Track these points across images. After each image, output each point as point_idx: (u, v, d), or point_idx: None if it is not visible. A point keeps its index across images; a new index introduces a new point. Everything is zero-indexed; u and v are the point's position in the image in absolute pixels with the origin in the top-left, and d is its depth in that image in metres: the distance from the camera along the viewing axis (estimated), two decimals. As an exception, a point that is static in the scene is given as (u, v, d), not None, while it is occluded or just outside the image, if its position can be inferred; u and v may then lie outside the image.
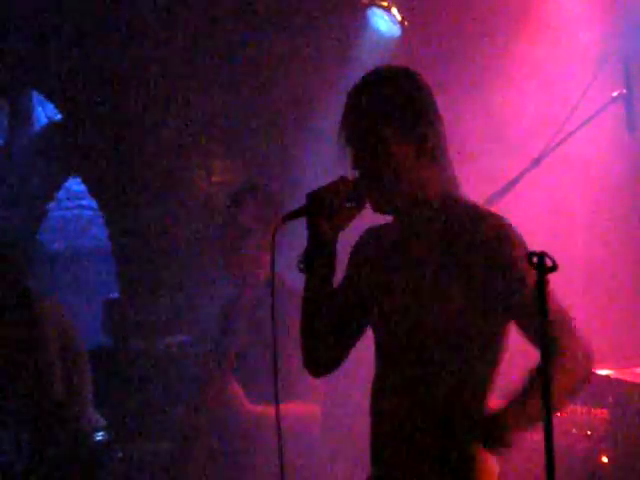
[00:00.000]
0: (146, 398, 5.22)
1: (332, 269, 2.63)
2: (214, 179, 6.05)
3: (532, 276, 2.42)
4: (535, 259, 2.22)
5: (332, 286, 2.64)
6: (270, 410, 3.74)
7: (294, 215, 2.58)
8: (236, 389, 3.93)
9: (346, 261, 2.76)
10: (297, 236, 2.79)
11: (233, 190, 4.51)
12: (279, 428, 2.53)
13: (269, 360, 3.74)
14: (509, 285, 2.48)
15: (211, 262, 5.65)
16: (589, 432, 4.07)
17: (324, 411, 4.00)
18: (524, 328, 2.50)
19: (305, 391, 3.81)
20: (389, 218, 2.70)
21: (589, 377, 2.50)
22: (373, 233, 2.77)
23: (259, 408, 3.88)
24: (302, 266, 2.61)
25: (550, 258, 2.21)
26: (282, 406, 2.62)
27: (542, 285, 2.18)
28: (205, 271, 5.78)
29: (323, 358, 2.70)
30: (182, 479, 4.18)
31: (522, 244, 2.53)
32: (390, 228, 2.68)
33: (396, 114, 2.56)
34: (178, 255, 5.93)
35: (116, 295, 6.12)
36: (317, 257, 2.60)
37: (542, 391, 2.16)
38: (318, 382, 3.67)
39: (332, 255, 2.61)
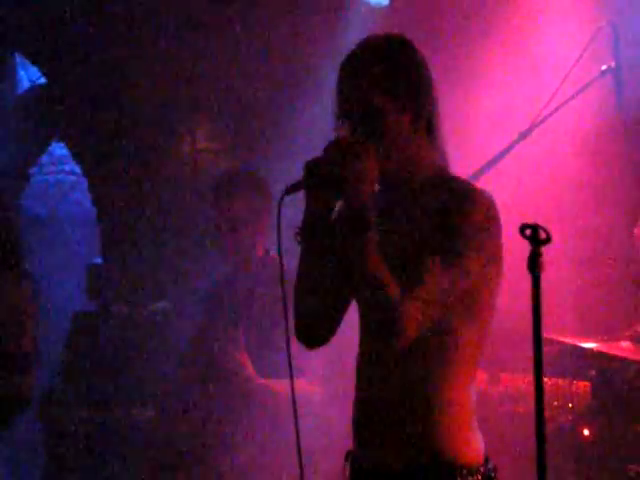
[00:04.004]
0: (129, 364, 5.21)
1: (330, 240, 2.58)
2: (199, 146, 6.02)
3: (466, 246, 2.40)
4: (528, 231, 2.23)
5: (328, 257, 2.59)
6: (275, 384, 3.84)
7: (296, 187, 2.52)
8: (246, 361, 3.99)
9: None
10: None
11: (222, 176, 4.48)
12: (294, 401, 2.53)
13: (272, 338, 3.86)
14: (445, 237, 2.45)
15: (195, 229, 5.65)
16: (571, 405, 4.11)
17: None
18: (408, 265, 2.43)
19: (306, 368, 3.83)
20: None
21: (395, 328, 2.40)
22: None
23: (267, 382, 3.94)
24: (299, 238, 2.57)
25: (544, 230, 2.22)
26: (286, 382, 2.62)
27: (536, 257, 2.19)
28: (189, 238, 5.77)
29: (316, 328, 2.67)
30: (168, 446, 4.21)
31: (489, 216, 2.48)
32: (376, 198, 2.64)
33: (392, 84, 2.53)
34: (161, 221, 5.91)
35: (99, 260, 6.11)
36: (315, 227, 2.56)
37: (535, 369, 2.17)
38: (317, 359, 3.71)
39: (329, 225, 2.57)
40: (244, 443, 4.03)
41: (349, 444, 2.64)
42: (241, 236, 4.20)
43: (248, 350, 4.02)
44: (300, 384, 3.90)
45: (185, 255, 5.73)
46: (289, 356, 2.54)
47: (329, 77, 2.70)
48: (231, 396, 4.05)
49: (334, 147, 2.48)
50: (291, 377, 2.56)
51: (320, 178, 2.49)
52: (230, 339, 4.05)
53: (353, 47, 2.61)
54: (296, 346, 2.66)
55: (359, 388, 2.63)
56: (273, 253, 4.14)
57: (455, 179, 2.58)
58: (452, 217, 2.45)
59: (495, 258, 2.53)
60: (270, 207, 4.17)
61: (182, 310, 5.21)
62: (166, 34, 5.81)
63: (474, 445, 2.53)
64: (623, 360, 4.08)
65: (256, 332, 4.06)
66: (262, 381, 3.99)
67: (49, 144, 7.34)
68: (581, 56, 4.18)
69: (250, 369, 4.01)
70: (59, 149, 7.73)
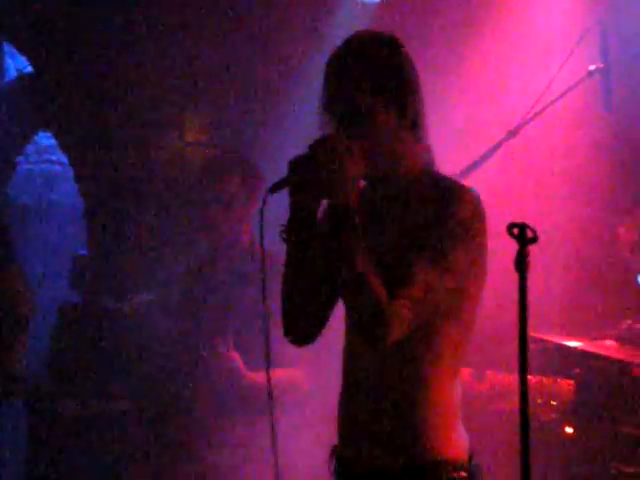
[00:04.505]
0: (114, 356, 5.21)
1: (316, 237, 2.58)
2: (188, 139, 6.01)
3: (454, 244, 2.42)
4: (516, 230, 2.24)
5: (314, 255, 2.59)
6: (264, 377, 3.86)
7: (280, 185, 2.52)
8: (237, 358, 4.00)
9: None
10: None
11: (216, 158, 4.56)
12: (270, 392, 2.56)
13: (256, 329, 3.87)
14: (432, 234, 2.45)
15: (182, 222, 5.65)
16: (555, 403, 4.13)
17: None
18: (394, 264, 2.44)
19: (292, 358, 3.85)
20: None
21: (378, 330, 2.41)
22: None
23: (257, 376, 3.94)
24: (285, 235, 2.58)
25: (531, 229, 2.23)
26: (273, 372, 2.63)
27: (523, 256, 2.20)
28: (175, 231, 5.77)
29: (304, 326, 2.68)
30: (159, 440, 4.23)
31: (475, 213, 2.49)
32: (362, 196, 2.63)
33: (379, 82, 2.53)
34: (149, 214, 5.91)
35: (84, 251, 6.09)
36: (301, 225, 2.56)
37: (519, 365, 2.17)
38: (303, 350, 3.71)
39: (315, 223, 2.58)
40: (238, 438, 4.05)
41: (334, 438, 2.66)
42: (232, 213, 4.22)
43: (239, 341, 4.03)
44: (292, 372, 3.95)
45: (172, 248, 5.73)
46: (267, 349, 2.56)
47: (319, 74, 2.70)
48: (223, 393, 4.06)
49: (319, 145, 2.47)
50: (267, 370, 2.57)
51: (304, 177, 2.48)
52: (219, 336, 4.05)
53: (340, 44, 2.62)
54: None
55: (345, 385, 2.64)
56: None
57: (442, 177, 2.59)
58: (439, 215, 2.47)
59: (481, 255, 2.54)
60: (261, 188, 4.19)
61: (168, 303, 5.20)
62: (155, 27, 5.79)
63: (459, 442, 2.54)
64: (607, 359, 4.10)
65: (247, 325, 4.07)
66: (253, 375, 4.00)
67: (35, 133, 7.33)
68: (570, 56, 4.19)
69: (240, 364, 4.02)
70: (45, 139, 7.71)
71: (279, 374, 3.59)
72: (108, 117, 5.89)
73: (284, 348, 2.77)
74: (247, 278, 4.12)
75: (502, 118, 4.37)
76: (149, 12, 5.80)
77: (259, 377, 3.93)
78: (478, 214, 2.51)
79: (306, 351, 3.72)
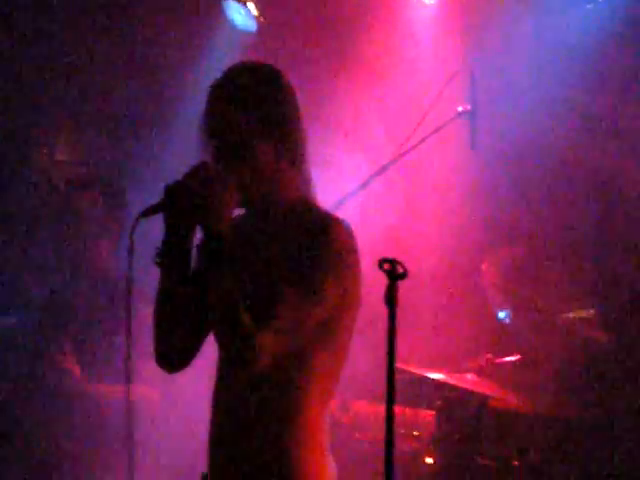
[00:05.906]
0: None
1: (189, 263, 2.59)
2: (57, 157, 5.92)
3: (324, 276, 2.45)
4: (387, 265, 2.30)
5: (188, 280, 2.60)
6: (109, 390, 3.84)
7: (154, 210, 2.51)
8: (75, 369, 3.96)
9: None
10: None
11: (72, 178, 4.52)
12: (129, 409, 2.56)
13: (110, 345, 3.87)
14: (302, 267, 2.49)
15: (44, 243, 5.54)
16: (416, 433, 4.22)
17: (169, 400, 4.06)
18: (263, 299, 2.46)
19: (146, 376, 3.86)
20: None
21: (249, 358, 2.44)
22: None
23: (99, 387, 3.93)
24: (159, 260, 2.57)
25: (401, 265, 2.29)
26: (120, 387, 2.64)
27: (393, 291, 2.26)
28: (37, 252, 5.65)
29: (177, 352, 2.66)
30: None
31: (346, 247, 2.54)
32: (237, 223, 2.65)
33: (258, 111, 2.57)
34: (9, 233, 5.77)
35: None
36: (174, 250, 2.56)
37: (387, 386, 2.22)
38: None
39: (190, 249, 2.58)
40: (76, 448, 4.03)
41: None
42: (86, 229, 4.19)
43: (91, 357, 4.01)
44: (136, 388, 3.95)
45: (34, 270, 5.61)
46: (127, 366, 2.55)
47: (194, 99, 2.73)
48: (58, 401, 4.04)
49: (194, 172, 2.49)
50: (127, 383, 2.60)
51: (179, 203, 2.48)
52: (56, 344, 4.04)
53: (222, 71, 2.64)
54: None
55: (214, 410, 2.64)
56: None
57: (315, 209, 2.62)
58: (311, 246, 2.50)
59: (354, 286, 2.58)
60: (122, 208, 4.19)
61: (28, 327, 5.10)
62: (32, 47, 5.71)
63: (326, 471, 2.57)
64: (467, 391, 4.21)
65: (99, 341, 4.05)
66: (98, 387, 4.00)
67: None
68: (440, 96, 4.29)
69: (75, 372, 4.01)
70: None
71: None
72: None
73: (138, 365, 2.76)
74: (104, 298, 4.11)
75: (376, 152, 4.44)
76: (18, 25, 5.70)
77: (105, 389, 3.94)
78: (349, 246, 2.55)
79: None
